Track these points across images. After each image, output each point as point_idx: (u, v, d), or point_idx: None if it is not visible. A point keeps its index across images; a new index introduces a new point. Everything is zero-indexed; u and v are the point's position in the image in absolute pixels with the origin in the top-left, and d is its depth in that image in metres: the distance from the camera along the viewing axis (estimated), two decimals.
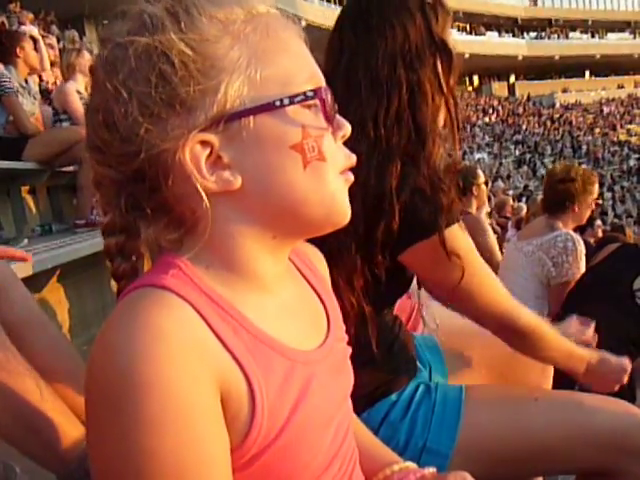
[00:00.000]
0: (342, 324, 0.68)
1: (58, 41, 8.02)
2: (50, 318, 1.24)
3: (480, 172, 3.55)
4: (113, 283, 0.57)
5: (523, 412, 1.03)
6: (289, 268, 0.63)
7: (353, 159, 0.58)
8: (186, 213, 0.54)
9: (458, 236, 0.96)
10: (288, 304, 0.60)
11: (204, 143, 0.52)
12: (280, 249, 0.58)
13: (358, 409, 0.99)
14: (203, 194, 0.52)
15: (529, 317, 1.07)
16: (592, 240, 4.20)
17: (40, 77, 3.85)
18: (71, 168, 3.51)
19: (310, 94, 0.54)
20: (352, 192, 0.58)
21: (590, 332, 1.21)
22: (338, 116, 0.57)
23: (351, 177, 0.58)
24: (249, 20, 0.54)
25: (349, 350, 0.68)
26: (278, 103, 0.53)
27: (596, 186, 2.60)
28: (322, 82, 0.57)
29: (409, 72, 0.95)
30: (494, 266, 3.19)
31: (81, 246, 2.56)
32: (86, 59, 3.85)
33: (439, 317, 1.41)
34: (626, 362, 1.16)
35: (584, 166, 3.12)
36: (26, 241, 2.79)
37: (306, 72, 0.56)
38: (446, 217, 0.93)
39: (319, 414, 0.57)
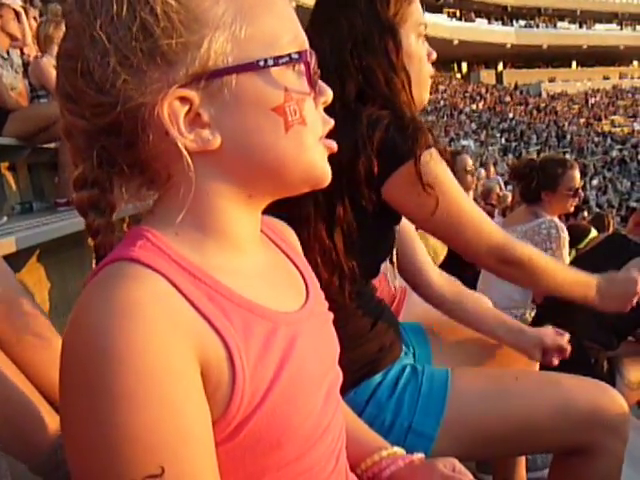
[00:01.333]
0: (321, 292, 0.67)
1: (41, 14, 7.81)
2: None
3: (467, 159, 3.53)
4: (95, 263, 0.55)
5: (506, 392, 1.05)
6: (262, 238, 0.62)
7: (331, 123, 0.57)
8: (161, 172, 0.52)
9: (432, 163, 0.98)
10: (264, 267, 0.59)
11: (183, 99, 0.50)
12: (255, 208, 0.57)
13: (344, 387, 1.01)
14: (183, 150, 0.50)
15: (525, 247, 1.09)
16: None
17: (22, 50, 3.72)
18: (52, 145, 3.43)
19: (295, 56, 0.53)
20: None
21: (565, 342, 1.21)
22: (320, 82, 0.56)
23: (333, 145, 0.58)
24: None
25: (331, 316, 0.67)
26: (262, 63, 0.51)
27: (570, 172, 2.55)
28: (306, 45, 0.56)
29: (357, 59, 1.02)
30: None
31: (62, 225, 2.51)
32: (63, 30, 3.72)
33: (421, 307, 1.42)
34: (634, 274, 1.17)
35: (568, 156, 3.11)
36: (5, 219, 2.73)
37: (291, 33, 0.54)
38: (420, 144, 0.96)
39: (307, 376, 0.56)
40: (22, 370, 0.89)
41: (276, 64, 0.52)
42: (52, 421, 0.86)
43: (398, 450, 0.73)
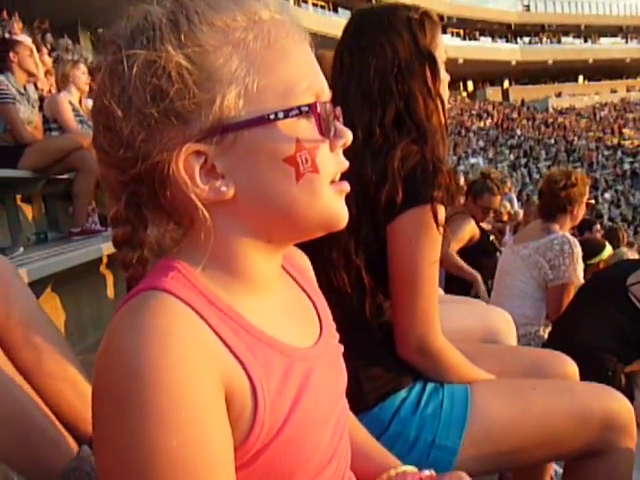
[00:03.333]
0: (333, 322, 0.69)
1: (52, 49, 8.02)
2: None
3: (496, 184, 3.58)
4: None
5: (526, 401, 1.08)
6: (282, 273, 0.65)
7: (345, 165, 0.58)
8: (184, 219, 0.55)
9: (427, 221, 1.02)
10: (283, 304, 0.62)
11: (198, 153, 0.53)
12: (274, 252, 0.59)
13: (369, 402, 1.05)
14: (198, 203, 0.52)
15: (445, 341, 1.08)
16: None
17: (35, 85, 3.84)
18: (66, 176, 3.50)
19: (305, 109, 0.54)
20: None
21: None
22: (339, 125, 0.57)
23: (346, 187, 0.58)
24: (251, 27, 0.54)
25: (341, 348, 0.70)
26: (272, 117, 0.53)
27: (588, 185, 2.64)
28: (324, 91, 0.57)
29: (400, 84, 1.08)
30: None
31: (77, 254, 2.55)
32: (81, 71, 3.86)
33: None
34: None
35: (579, 170, 3.11)
36: (21, 249, 2.77)
37: (306, 81, 0.55)
38: (439, 194, 1.02)
39: (318, 409, 0.58)
40: (39, 395, 0.90)
41: (286, 117, 0.53)
42: (66, 445, 0.87)
43: (408, 468, 0.73)
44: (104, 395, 0.49)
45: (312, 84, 0.56)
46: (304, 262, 0.72)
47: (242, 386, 0.51)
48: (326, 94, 0.57)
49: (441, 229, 1.03)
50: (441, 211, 1.03)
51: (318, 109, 0.54)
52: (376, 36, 1.10)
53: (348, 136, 0.58)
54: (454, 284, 3.01)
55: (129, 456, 0.47)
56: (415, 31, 1.09)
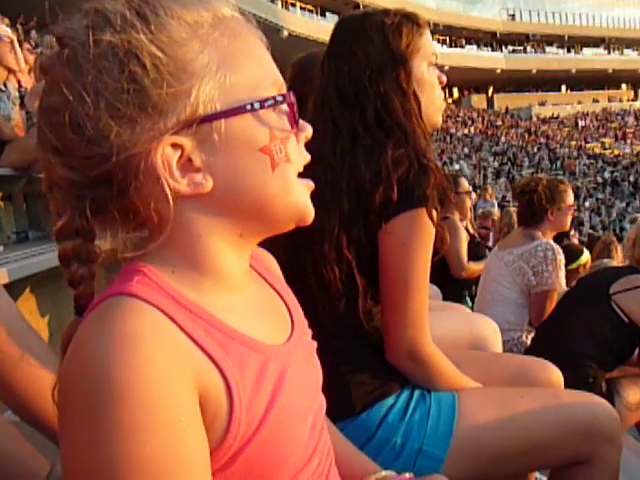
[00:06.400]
0: (304, 319, 0.69)
1: (36, 46, 7.91)
2: None
3: (463, 181, 3.57)
4: (75, 313, 0.55)
5: (513, 409, 1.08)
6: (250, 272, 0.64)
7: (307, 158, 0.60)
8: (152, 216, 0.53)
9: (422, 225, 1.03)
10: (253, 302, 0.61)
11: (175, 146, 0.51)
12: (245, 247, 0.59)
13: (356, 409, 1.05)
14: (170, 197, 0.51)
15: (435, 348, 1.08)
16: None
17: (19, 83, 3.77)
18: None
19: (280, 99, 0.56)
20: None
21: None
22: (301, 120, 0.59)
23: (311, 184, 0.60)
24: (216, 24, 0.54)
25: (315, 345, 0.70)
26: (249, 107, 0.54)
27: (568, 192, 2.61)
28: (283, 86, 0.59)
29: (374, 85, 1.11)
30: (456, 266, 3.23)
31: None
32: None
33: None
34: None
35: (560, 178, 3.13)
36: (1, 248, 2.73)
37: (271, 76, 0.58)
38: (432, 196, 1.03)
39: (296, 405, 0.58)
40: (21, 396, 0.88)
41: (262, 107, 0.54)
42: (35, 467, 0.85)
43: (387, 473, 0.73)
44: (71, 406, 0.46)
45: (276, 79, 0.58)
46: (269, 260, 0.72)
47: (216, 386, 0.50)
48: (284, 89, 0.59)
49: (433, 231, 1.03)
50: (434, 213, 1.03)
51: (291, 99, 0.56)
52: (349, 42, 1.14)
53: (309, 129, 0.59)
54: (449, 286, 3.00)
55: (99, 466, 0.45)
56: (387, 35, 1.12)
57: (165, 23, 0.51)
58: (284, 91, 0.58)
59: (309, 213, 0.59)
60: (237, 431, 0.51)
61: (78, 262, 0.54)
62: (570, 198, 2.62)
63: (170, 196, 0.51)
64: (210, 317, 0.53)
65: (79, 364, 0.47)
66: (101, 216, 0.53)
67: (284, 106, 0.56)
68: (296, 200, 0.58)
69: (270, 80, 0.57)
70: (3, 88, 3.44)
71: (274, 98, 0.55)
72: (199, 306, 0.53)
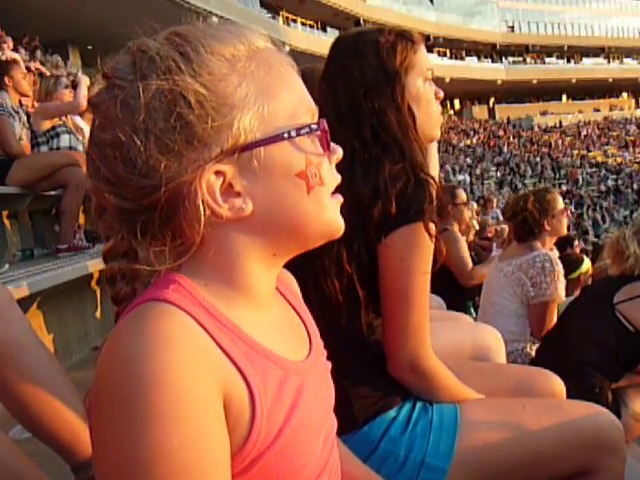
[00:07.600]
0: (320, 340, 0.72)
1: (42, 65, 8.01)
2: None
3: (460, 192, 3.56)
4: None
5: (515, 420, 1.08)
6: (274, 289, 0.66)
7: (339, 178, 0.64)
8: (195, 237, 0.57)
9: (419, 238, 1.04)
10: (276, 320, 0.64)
11: (218, 173, 0.55)
12: (276, 266, 0.62)
13: (359, 421, 1.06)
14: (213, 220, 0.55)
15: (437, 361, 1.08)
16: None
17: (20, 102, 3.84)
18: (53, 192, 3.48)
19: (314, 127, 0.59)
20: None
21: None
22: (332, 142, 0.62)
23: (341, 199, 0.63)
24: (252, 57, 0.58)
25: (329, 365, 0.72)
26: (286, 135, 0.57)
27: (556, 199, 2.61)
28: (316, 111, 0.62)
29: (369, 102, 1.13)
30: (463, 274, 3.22)
31: (63, 271, 2.53)
32: (63, 85, 3.92)
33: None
34: None
35: (564, 187, 3.12)
36: (7, 266, 2.75)
37: (305, 103, 0.61)
38: (430, 210, 1.04)
39: (311, 420, 0.60)
40: (31, 409, 0.89)
41: (299, 134, 0.58)
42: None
43: None
44: (105, 397, 0.49)
45: (309, 106, 0.61)
46: (291, 281, 0.75)
47: (240, 392, 0.53)
48: (317, 114, 0.62)
49: (432, 245, 1.04)
50: (432, 227, 1.04)
51: (325, 126, 0.60)
52: (345, 61, 1.17)
53: (339, 151, 0.63)
54: (453, 296, 2.99)
55: (129, 455, 0.47)
56: (382, 53, 1.15)
57: (206, 60, 0.55)
58: (317, 116, 0.62)
59: (340, 228, 0.63)
60: (257, 439, 0.53)
61: (123, 281, 0.58)
62: (560, 203, 2.62)
63: (213, 220, 0.55)
64: (237, 329, 0.56)
65: (115, 358, 0.50)
66: (147, 238, 0.57)
67: (319, 132, 0.60)
68: (329, 218, 0.61)
69: (304, 107, 0.60)
70: (18, 110, 3.54)
71: (309, 126, 0.59)
72: (227, 318, 0.56)
